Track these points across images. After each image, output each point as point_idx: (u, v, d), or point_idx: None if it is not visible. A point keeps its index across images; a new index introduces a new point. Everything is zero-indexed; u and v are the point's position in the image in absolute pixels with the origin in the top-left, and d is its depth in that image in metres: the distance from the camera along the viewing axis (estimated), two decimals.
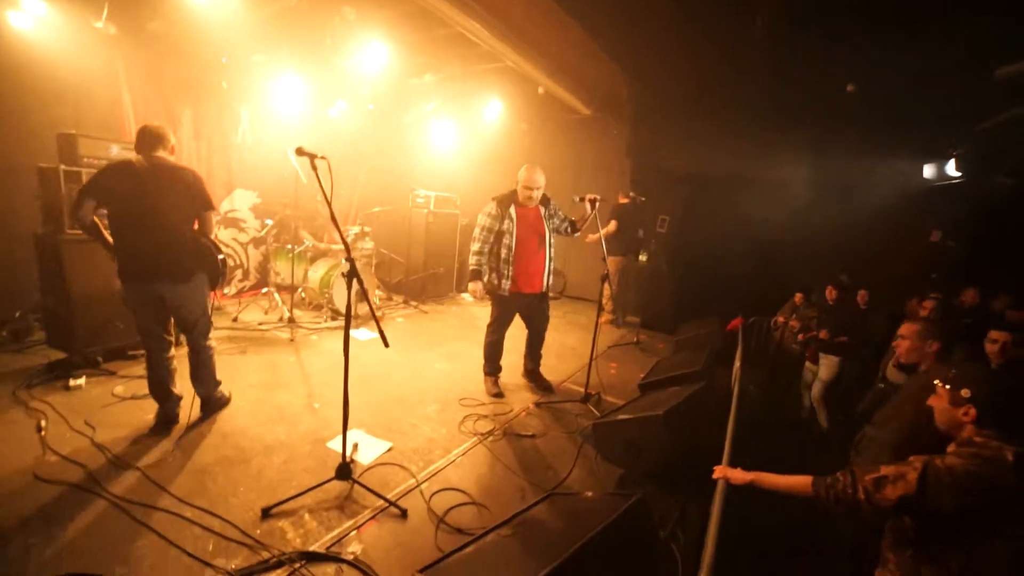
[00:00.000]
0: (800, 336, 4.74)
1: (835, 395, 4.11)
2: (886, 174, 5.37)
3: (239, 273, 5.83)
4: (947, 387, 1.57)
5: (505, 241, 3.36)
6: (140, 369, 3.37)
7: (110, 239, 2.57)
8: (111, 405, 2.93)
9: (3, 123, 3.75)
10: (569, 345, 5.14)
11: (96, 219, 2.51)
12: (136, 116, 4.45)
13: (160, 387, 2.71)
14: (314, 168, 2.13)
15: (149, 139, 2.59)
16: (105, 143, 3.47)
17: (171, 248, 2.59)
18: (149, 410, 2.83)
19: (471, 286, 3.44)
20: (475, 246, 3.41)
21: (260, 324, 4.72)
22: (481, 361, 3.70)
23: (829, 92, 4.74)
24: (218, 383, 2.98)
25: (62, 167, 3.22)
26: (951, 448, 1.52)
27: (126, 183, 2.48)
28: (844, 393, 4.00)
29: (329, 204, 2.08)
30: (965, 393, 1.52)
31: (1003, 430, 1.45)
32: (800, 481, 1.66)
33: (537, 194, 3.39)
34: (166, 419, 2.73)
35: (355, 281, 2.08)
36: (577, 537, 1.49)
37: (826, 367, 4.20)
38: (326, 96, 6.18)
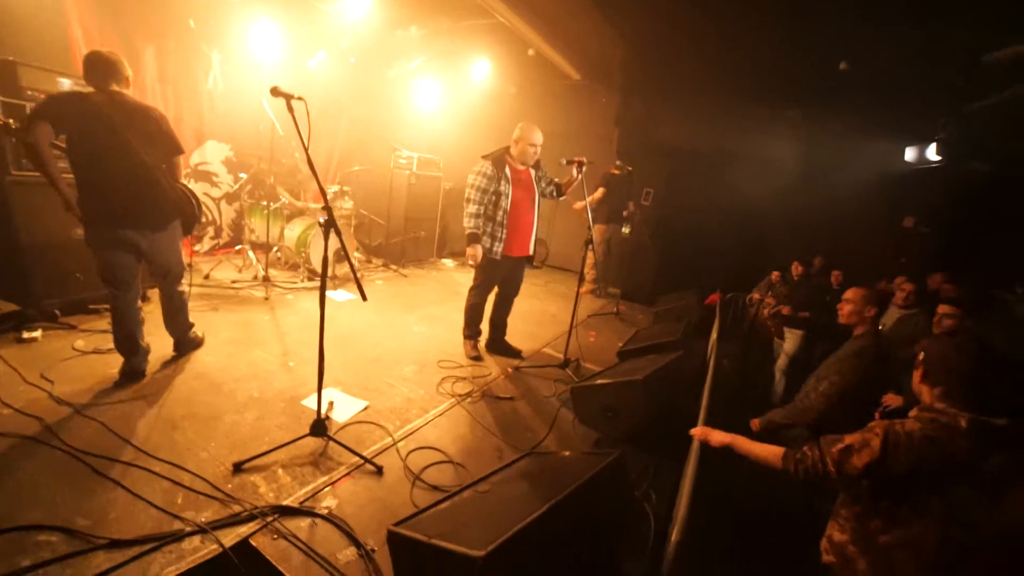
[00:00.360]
0: (766, 311, 4.86)
1: (798, 369, 4.26)
2: (869, 155, 5.43)
3: (211, 230, 5.58)
4: (919, 354, 1.63)
5: (501, 203, 3.23)
6: (103, 323, 3.23)
7: (58, 174, 2.27)
8: (71, 359, 2.78)
9: None
10: (550, 313, 5.15)
11: (48, 151, 2.24)
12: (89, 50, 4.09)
13: (128, 340, 2.59)
14: (290, 110, 2.00)
15: (101, 68, 2.35)
16: (53, 75, 3.18)
17: (148, 191, 2.46)
18: (113, 364, 2.70)
19: (470, 250, 3.26)
20: (471, 207, 3.23)
21: (233, 282, 4.55)
22: (460, 325, 3.67)
23: (822, 70, 4.70)
24: (191, 325, 2.97)
25: (1, 98, 2.92)
26: (912, 412, 1.58)
27: (86, 114, 2.26)
28: (809, 368, 4.15)
29: (306, 148, 1.96)
30: (920, 356, 1.60)
31: (948, 392, 1.50)
32: (772, 452, 1.71)
33: (537, 153, 3.29)
34: (132, 373, 2.62)
35: (333, 235, 1.99)
36: (555, 492, 1.50)
37: (790, 340, 4.33)
38: (305, 45, 5.83)
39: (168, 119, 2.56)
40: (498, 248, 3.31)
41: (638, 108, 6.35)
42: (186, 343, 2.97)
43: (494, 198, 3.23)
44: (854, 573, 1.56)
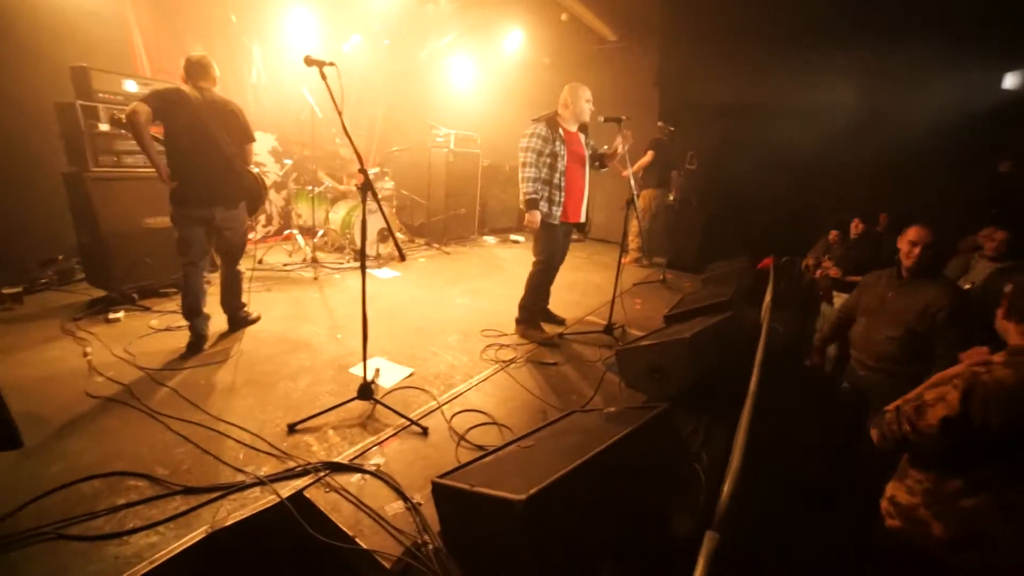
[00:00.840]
0: (818, 273, 4.51)
1: None
2: (955, 88, 4.75)
3: (263, 218, 5.87)
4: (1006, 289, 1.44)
5: (558, 165, 3.10)
6: (172, 305, 3.51)
7: (153, 147, 2.63)
8: (147, 336, 3.04)
9: (19, 62, 3.71)
10: (594, 283, 5.05)
11: (146, 127, 2.56)
12: (148, 53, 4.37)
13: (194, 305, 2.88)
14: (323, 77, 2.02)
15: (197, 69, 2.76)
16: (119, 77, 3.42)
17: (225, 174, 2.83)
18: (182, 339, 2.94)
19: (529, 216, 3.11)
20: (529, 171, 3.06)
21: (284, 265, 4.78)
22: (504, 296, 3.63)
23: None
24: (244, 304, 3.22)
25: (79, 102, 3.19)
26: (999, 357, 1.39)
27: (182, 108, 2.65)
28: None
29: (340, 113, 1.98)
30: (1007, 289, 1.42)
31: None
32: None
33: (591, 108, 3.19)
34: (198, 336, 2.90)
35: (376, 206, 2.01)
36: (600, 444, 1.46)
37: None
38: (340, 31, 5.92)
39: (244, 111, 2.91)
40: (557, 212, 3.15)
41: (678, 65, 5.99)
42: (239, 320, 3.21)
43: (549, 160, 3.08)
44: (927, 538, 1.42)
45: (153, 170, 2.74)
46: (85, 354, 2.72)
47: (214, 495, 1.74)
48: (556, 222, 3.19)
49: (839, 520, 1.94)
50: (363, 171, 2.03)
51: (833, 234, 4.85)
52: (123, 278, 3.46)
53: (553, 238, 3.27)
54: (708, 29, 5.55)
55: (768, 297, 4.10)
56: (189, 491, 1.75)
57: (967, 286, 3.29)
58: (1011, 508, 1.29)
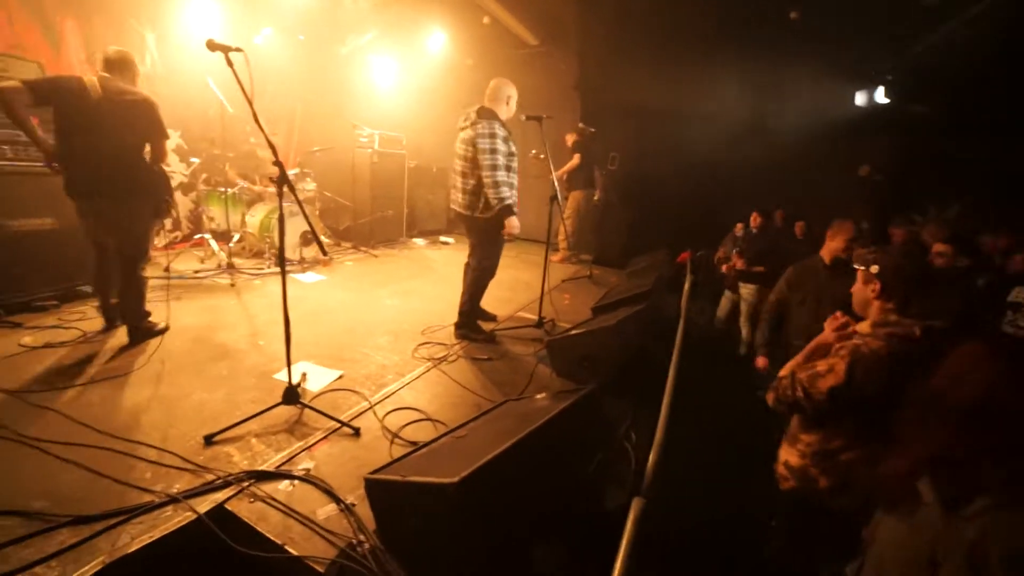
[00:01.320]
0: (724, 268, 4.91)
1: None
2: (823, 102, 5.52)
3: (167, 223, 5.34)
4: (862, 268, 1.66)
5: (513, 164, 3.04)
6: (51, 319, 3.08)
7: (33, 127, 2.52)
8: (18, 355, 2.63)
9: None
10: (523, 280, 5.15)
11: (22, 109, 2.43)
12: (1, 29, 3.81)
13: (103, 281, 2.90)
14: (229, 64, 1.90)
15: (113, 64, 2.75)
16: None
17: (116, 165, 2.69)
18: (65, 358, 2.61)
19: (510, 223, 2.97)
20: (500, 175, 2.91)
21: (196, 272, 4.38)
22: (435, 296, 3.59)
23: (772, 18, 4.74)
24: (147, 314, 2.94)
25: None
26: (864, 329, 1.61)
27: (75, 95, 2.55)
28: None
29: (250, 103, 1.87)
30: (874, 269, 1.60)
31: (904, 302, 1.55)
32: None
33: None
34: (108, 315, 2.93)
35: (298, 211, 1.92)
36: (533, 424, 1.50)
37: (747, 291, 4.46)
38: (249, 22, 5.55)
39: (157, 104, 2.83)
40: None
41: (597, 69, 6.31)
42: (141, 331, 2.90)
43: (506, 160, 3.00)
44: (816, 492, 1.62)
45: (25, 163, 2.43)
46: None
47: (112, 521, 1.54)
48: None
49: (751, 484, 2.14)
50: (278, 163, 1.93)
51: (738, 227, 5.32)
52: None
53: (501, 236, 3.18)
54: (622, 36, 5.90)
55: (687, 287, 4.44)
56: (78, 521, 1.52)
57: None
58: (875, 458, 1.50)
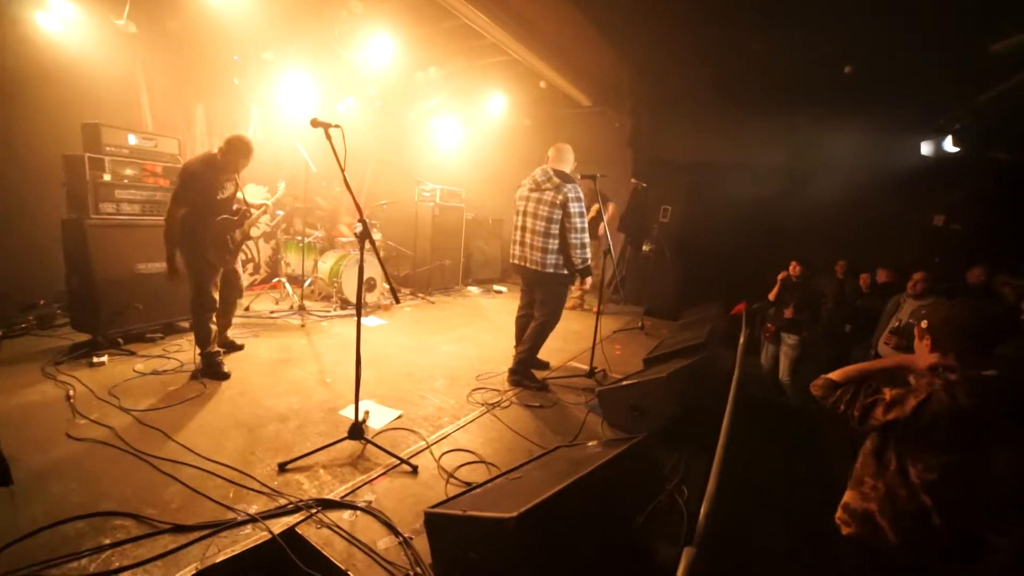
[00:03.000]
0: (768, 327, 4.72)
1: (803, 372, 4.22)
2: (885, 153, 5.40)
3: (250, 267, 5.96)
4: (919, 324, 1.64)
5: (584, 224, 3.23)
6: (158, 350, 3.53)
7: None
8: (132, 379, 3.04)
9: (33, 116, 3.91)
10: (573, 330, 5.20)
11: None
12: (152, 111, 4.62)
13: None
14: (328, 138, 2.24)
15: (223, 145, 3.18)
16: (124, 132, 3.62)
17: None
18: (169, 383, 2.98)
19: (584, 283, 3.31)
20: (586, 237, 3.14)
21: (271, 312, 4.83)
22: (489, 343, 3.72)
23: (825, 74, 4.81)
24: (214, 352, 3.21)
25: (87, 155, 3.36)
26: (954, 377, 1.57)
27: None
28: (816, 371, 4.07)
29: (343, 171, 2.18)
30: (923, 324, 1.60)
31: (959, 353, 1.52)
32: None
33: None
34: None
35: (373, 257, 2.18)
36: (586, 468, 1.56)
37: (791, 344, 4.29)
38: (334, 93, 6.34)
39: (182, 175, 3.06)
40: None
41: (648, 127, 6.55)
42: (204, 364, 3.15)
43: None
44: (881, 542, 1.54)
45: (144, 217, 3.24)
46: (68, 397, 2.70)
47: (204, 533, 1.74)
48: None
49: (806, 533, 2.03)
50: (363, 221, 2.21)
51: (781, 276, 5.12)
52: (110, 323, 3.48)
53: (567, 292, 3.40)
54: (672, 96, 6.15)
55: (742, 340, 4.33)
56: (178, 529, 1.75)
57: (896, 323, 3.63)
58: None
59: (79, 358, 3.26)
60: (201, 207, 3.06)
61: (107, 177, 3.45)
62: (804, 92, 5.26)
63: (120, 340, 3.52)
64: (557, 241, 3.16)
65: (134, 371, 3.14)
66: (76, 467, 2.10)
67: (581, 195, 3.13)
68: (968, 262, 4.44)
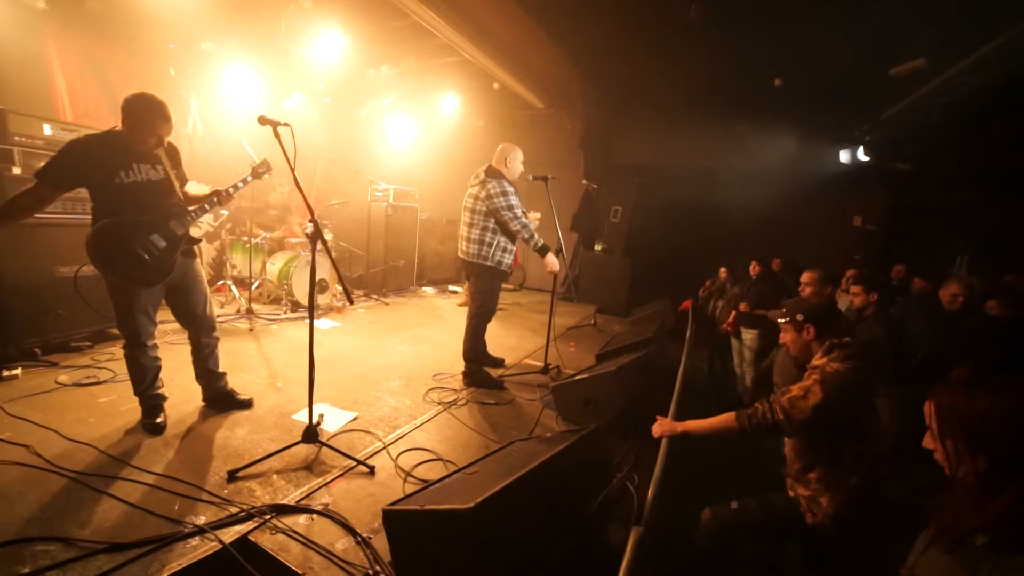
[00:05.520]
0: (726, 324, 5.06)
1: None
2: (810, 160, 5.90)
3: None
4: (787, 321, 1.90)
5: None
6: (86, 359, 3.27)
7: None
8: (53, 392, 2.80)
9: None
10: (529, 328, 5.31)
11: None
12: (72, 99, 4.26)
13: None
14: (277, 136, 2.18)
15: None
16: (38, 121, 3.32)
17: None
18: (98, 394, 2.78)
19: (551, 258, 3.36)
20: (525, 221, 3.25)
21: (216, 316, 4.58)
22: (443, 342, 3.75)
23: (758, 85, 5.17)
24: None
25: None
26: (817, 362, 1.81)
27: None
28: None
29: (293, 170, 2.13)
30: (799, 317, 1.90)
31: (830, 333, 1.84)
32: (725, 419, 1.87)
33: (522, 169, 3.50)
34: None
35: (325, 257, 2.14)
36: (540, 459, 1.62)
37: (748, 337, 4.58)
38: (281, 88, 6.11)
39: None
40: (509, 260, 3.41)
41: (598, 131, 6.77)
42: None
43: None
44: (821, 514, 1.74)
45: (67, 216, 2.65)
46: None
47: (144, 549, 1.65)
48: (509, 270, 3.45)
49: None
50: (314, 221, 2.17)
51: (723, 271, 5.49)
52: (25, 332, 3.18)
53: (499, 285, 3.50)
54: (621, 99, 6.39)
55: (688, 336, 4.58)
56: (114, 548, 1.63)
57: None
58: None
59: None
60: (98, 196, 2.26)
61: (17, 171, 3.15)
62: (742, 101, 5.63)
63: (38, 351, 3.22)
64: (480, 231, 3.29)
65: (56, 383, 2.89)
66: None
67: (506, 187, 3.23)
68: (886, 260, 4.97)
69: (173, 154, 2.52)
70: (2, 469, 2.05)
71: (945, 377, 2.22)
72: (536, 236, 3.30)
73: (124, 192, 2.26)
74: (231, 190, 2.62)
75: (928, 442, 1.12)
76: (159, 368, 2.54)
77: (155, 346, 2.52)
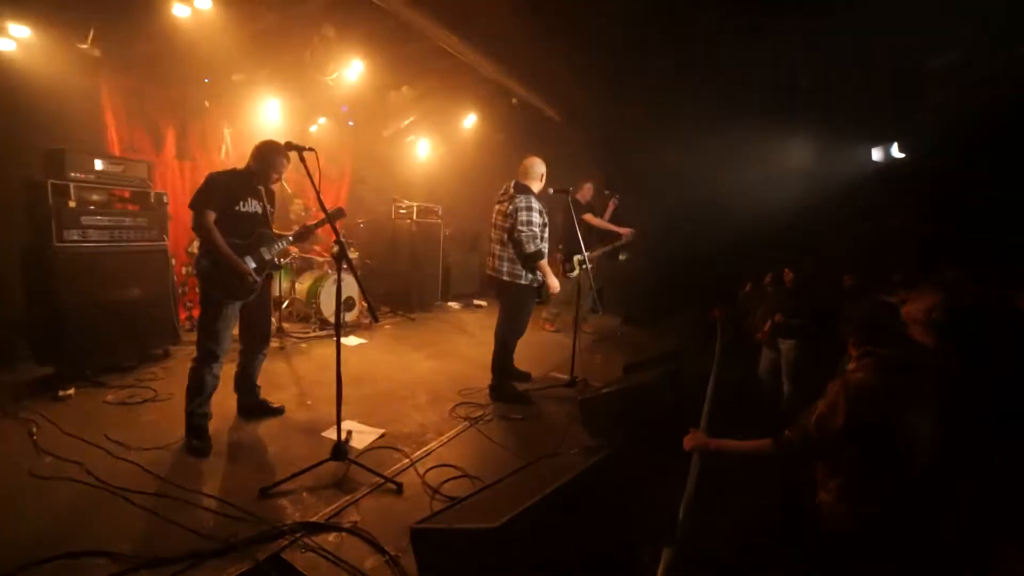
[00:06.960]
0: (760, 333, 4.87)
1: (804, 371, 4.31)
2: (841, 160, 5.71)
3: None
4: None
5: (545, 234, 3.33)
6: (131, 379, 3.42)
7: None
8: (102, 411, 2.94)
9: None
10: (555, 340, 5.27)
11: None
12: (119, 135, 4.54)
13: None
14: (302, 160, 2.26)
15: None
16: (91, 158, 3.54)
17: None
18: (143, 413, 2.90)
19: (550, 280, 3.34)
20: (541, 244, 3.23)
21: None
22: (470, 357, 3.74)
23: (782, 85, 5.06)
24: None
25: (50, 181, 3.27)
26: (849, 367, 1.76)
27: None
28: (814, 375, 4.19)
29: (318, 192, 2.20)
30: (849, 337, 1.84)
31: (868, 341, 1.74)
32: (760, 445, 1.83)
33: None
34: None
35: (349, 276, 2.20)
36: (566, 477, 1.60)
37: (787, 348, 4.38)
38: (306, 113, 6.33)
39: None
40: (538, 275, 3.36)
41: (620, 141, 6.74)
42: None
43: (540, 230, 3.28)
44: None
45: (119, 244, 2.95)
46: (30, 433, 2.59)
47: (183, 565, 1.70)
48: (536, 285, 3.40)
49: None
50: (339, 241, 2.23)
51: (768, 278, 5.30)
52: (76, 354, 3.36)
53: (532, 303, 3.48)
54: (643, 110, 6.36)
55: (718, 344, 4.45)
56: (155, 563, 1.70)
57: None
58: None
59: (42, 392, 3.13)
60: (220, 220, 2.59)
61: (72, 204, 3.37)
62: (763, 102, 5.52)
63: (88, 372, 3.40)
64: (511, 250, 3.28)
65: (104, 402, 3.05)
66: (39, 507, 2.01)
67: (532, 203, 3.23)
68: (930, 262, 4.70)
69: (270, 194, 2.95)
70: (57, 485, 2.17)
71: None
72: (537, 242, 3.20)
73: (238, 219, 2.68)
74: (311, 229, 2.99)
75: None
76: (216, 387, 2.69)
77: (222, 364, 2.70)
